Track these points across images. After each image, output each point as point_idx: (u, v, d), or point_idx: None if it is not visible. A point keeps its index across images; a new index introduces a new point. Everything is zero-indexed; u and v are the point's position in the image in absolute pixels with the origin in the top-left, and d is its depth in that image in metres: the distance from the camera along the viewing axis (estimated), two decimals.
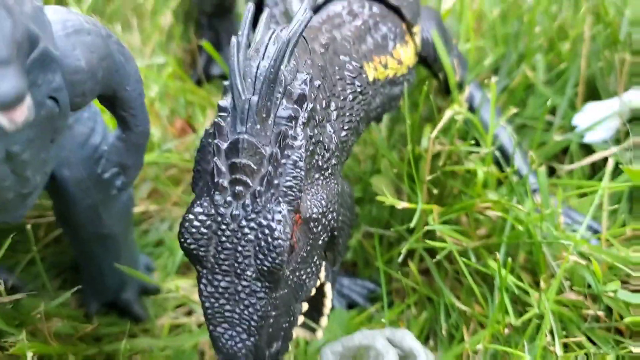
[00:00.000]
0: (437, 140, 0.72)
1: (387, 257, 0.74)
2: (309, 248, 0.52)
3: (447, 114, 0.69)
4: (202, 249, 0.48)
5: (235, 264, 0.48)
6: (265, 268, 0.47)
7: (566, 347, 0.63)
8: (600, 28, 0.89)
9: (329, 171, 0.53)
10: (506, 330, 0.61)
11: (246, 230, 0.47)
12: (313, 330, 0.60)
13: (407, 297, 0.72)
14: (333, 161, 0.54)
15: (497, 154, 0.74)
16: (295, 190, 0.48)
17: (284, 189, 0.48)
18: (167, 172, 0.86)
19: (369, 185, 0.77)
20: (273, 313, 0.50)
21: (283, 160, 0.48)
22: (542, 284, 0.61)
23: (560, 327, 0.62)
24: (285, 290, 0.50)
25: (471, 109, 0.77)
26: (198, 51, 1.04)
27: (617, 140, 0.81)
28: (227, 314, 0.49)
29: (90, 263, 0.70)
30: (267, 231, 0.47)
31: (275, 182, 0.48)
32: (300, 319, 0.54)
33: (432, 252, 0.71)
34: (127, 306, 0.74)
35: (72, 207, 0.62)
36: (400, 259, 0.68)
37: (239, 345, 0.49)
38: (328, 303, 0.60)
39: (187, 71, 1.04)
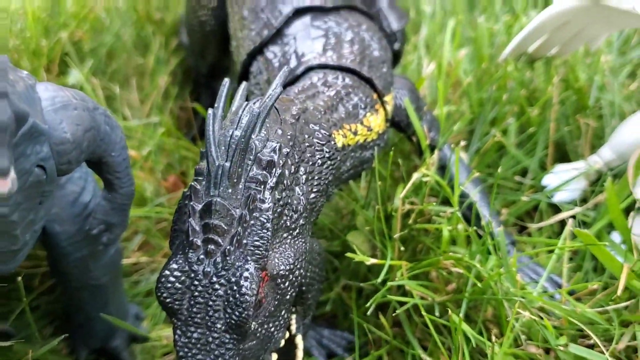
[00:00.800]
0: (408, 199, 0.76)
1: (363, 309, 0.78)
2: (276, 303, 0.55)
3: (415, 177, 0.74)
4: (177, 302, 0.53)
5: (207, 317, 0.52)
6: (233, 321, 0.51)
7: None
8: (570, 94, 0.94)
9: (297, 231, 0.58)
10: None
11: (216, 286, 0.52)
12: None
13: (380, 348, 0.76)
14: (301, 221, 0.58)
15: (460, 213, 0.78)
16: (262, 249, 0.53)
17: (252, 248, 0.52)
18: (158, 225, 0.91)
19: (347, 241, 0.81)
20: None
21: (252, 222, 0.53)
22: (494, 338, 0.64)
23: None
24: (254, 342, 0.54)
25: (444, 168, 0.82)
26: (193, 112, 1.09)
27: (584, 200, 0.86)
28: None
29: (79, 311, 0.74)
30: (235, 287, 0.51)
31: (244, 241, 0.52)
32: None
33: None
34: (116, 354, 0.78)
35: (62, 259, 0.66)
36: (369, 312, 0.71)
37: None
38: (300, 354, 0.64)
39: (182, 129, 1.09)
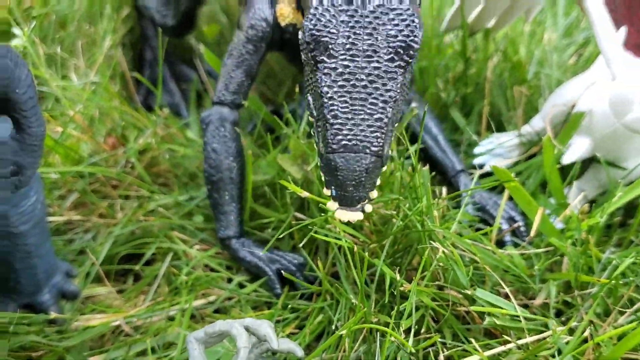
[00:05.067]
0: None
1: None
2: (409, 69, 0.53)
3: None
4: (333, 35, 0.50)
5: (367, 47, 0.50)
6: (403, 44, 0.49)
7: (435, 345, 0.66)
8: (508, 65, 0.95)
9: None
10: (375, 319, 0.64)
11: (377, 14, 0.50)
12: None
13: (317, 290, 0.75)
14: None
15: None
16: None
17: None
18: (93, 185, 0.91)
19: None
20: (393, 111, 0.50)
21: None
22: (395, 274, 0.63)
23: (432, 321, 0.66)
24: (400, 98, 0.52)
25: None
26: (135, 84, 1.09)
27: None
28: (352, 101, 0.49)
29: (3, 263, 0.74)
30: (404, 15, 0.50)
31: None
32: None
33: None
34: (43, 309, 0.77)
35: None
36: (302, 244, 0.70)
37: (365, 133, 0.48)
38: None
39: (126, 96, 1.09)
